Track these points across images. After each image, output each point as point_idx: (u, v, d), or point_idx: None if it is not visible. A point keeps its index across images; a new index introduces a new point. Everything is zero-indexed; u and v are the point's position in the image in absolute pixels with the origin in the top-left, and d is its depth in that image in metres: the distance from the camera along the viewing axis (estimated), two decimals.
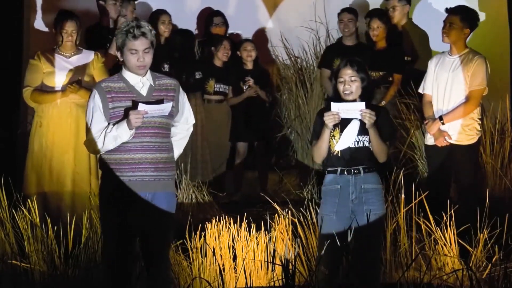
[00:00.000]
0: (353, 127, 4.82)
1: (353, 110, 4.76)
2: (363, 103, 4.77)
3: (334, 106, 4.78)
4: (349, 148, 4.85)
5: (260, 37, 8.58)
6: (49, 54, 6.37)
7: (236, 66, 7.78)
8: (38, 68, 6.33)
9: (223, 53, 7.62)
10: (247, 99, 7.72)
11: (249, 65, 7.76)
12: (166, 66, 7.35)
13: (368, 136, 4.83)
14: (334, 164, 4.90)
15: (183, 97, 4.77)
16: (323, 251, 4.66)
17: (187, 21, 8.36)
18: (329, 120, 4.79)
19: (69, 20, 6.33)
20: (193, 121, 4.87)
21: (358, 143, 4.86)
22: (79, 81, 6.28)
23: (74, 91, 6.23)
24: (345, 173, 4.86)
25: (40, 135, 6.31)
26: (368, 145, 4.86)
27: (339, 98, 4.88)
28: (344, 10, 7.64)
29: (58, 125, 6.29)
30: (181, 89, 4.75)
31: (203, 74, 7.59)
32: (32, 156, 6.32)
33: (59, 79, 6.31)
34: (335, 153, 4.88)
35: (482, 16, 7.96)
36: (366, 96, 4.88)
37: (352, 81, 4.86)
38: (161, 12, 7.55)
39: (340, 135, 4.85)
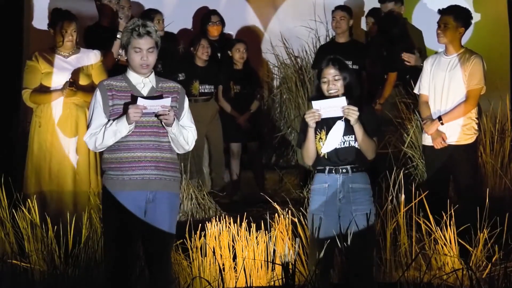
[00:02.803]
0: (338, 128, 4.81)
1: (335, 106, 4.75)
2: (344, 98, 4.75)
3: (316, 104, 4.78)
4: (335, 149, 4.84)
5: (253, 36, 8.57)
6: (47, 54, 6.31)
7: (226, 65, 7.77)
8: (36, 69, 6.26)
9: (202, 52, 7.59)
10: (236, 100, 7.70)
11: (239, 65, 7.75)
12: (159, 66, 7.29)
13: (353, 136, 4.83)
14: (322, 164, 4.90)
15: (187, 102, 4.75)
16: (317, 251, 4.67)
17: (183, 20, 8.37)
18: (310, 118, 4.78)
19: (69, 19, 6.26)
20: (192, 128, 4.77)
21: (344, 143, 4.85)
22: (72, 82, 6.16)
23: (70, 94, 6.20)
24: (333, 172, 4.86)
25: (39, 135, 6.28)
26: (354, 145, 4.85)
27: (322, 97, 4.86)
28: (337, 8, 7.66)
29: (58, 125, 6.27)
30: (185, 94, 4.75)
31: (186, 75, 7.56)
32: (32, 156, 6.28)
33: (58, 80, 6.24)
34: (322, 155, 4.87)
35: (478, 16, 7.98)
36: (350, 92, 4.87)
37: (335, 80, 4.86)
38: (154, 11, 7.43)
39: (326, 137, 4.84)
